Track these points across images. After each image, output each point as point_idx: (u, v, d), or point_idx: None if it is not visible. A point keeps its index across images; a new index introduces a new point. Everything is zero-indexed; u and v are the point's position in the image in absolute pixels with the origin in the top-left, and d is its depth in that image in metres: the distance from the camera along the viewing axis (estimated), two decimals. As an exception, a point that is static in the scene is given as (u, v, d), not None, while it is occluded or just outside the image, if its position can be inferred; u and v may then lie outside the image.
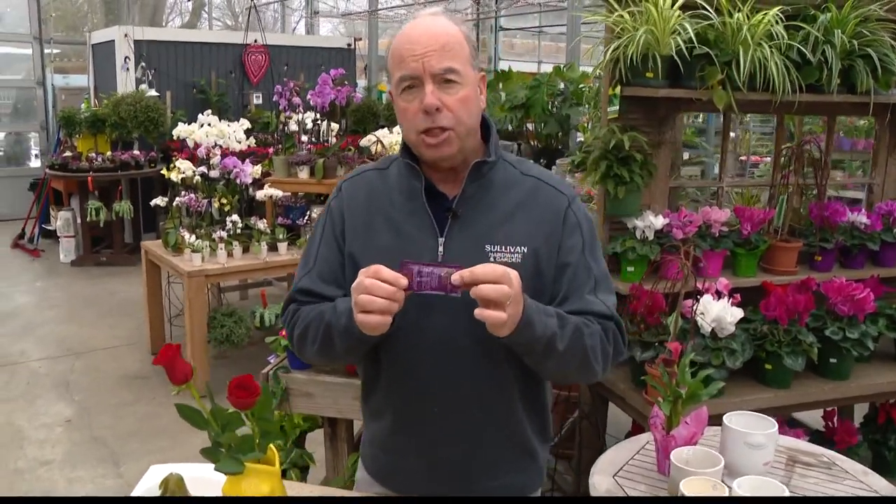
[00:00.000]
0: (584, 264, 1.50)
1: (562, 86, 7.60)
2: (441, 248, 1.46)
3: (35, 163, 10.76)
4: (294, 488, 1.62)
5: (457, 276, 1.27)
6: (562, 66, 7.87)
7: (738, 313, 2.48)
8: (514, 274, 1.29)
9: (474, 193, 1.49)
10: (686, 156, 8.11)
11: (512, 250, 1.46)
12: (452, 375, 1.48)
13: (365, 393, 1.64)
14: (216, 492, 1.36)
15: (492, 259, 1.45)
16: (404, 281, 1.28)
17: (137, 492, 1.50)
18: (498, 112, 8.02)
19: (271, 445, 1.28)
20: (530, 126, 8.04)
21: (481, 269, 1.26)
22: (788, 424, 3.29)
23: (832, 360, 2.72)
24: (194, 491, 1.44)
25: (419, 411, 1.52)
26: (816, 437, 2.99)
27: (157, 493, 1.43)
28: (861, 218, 2.98)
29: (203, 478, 1.48)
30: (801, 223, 3.06)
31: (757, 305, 2.69)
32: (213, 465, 1.27)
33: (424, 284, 1.28)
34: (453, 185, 1.50)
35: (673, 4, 2.45)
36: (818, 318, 2.73)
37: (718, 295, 2.52)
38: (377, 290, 1.28)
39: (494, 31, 13.71)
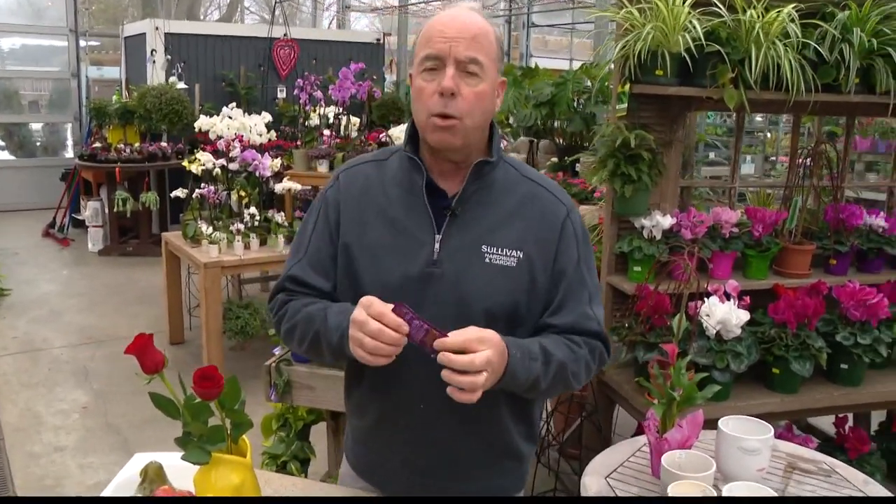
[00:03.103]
0: (580, 276, 1.50)
1: (588, 83, 7.52)
2: (437, 246, 1.45)
3: (69, 153, 10.95)
4: (282, 482, 1.63)
5: (439, 343, 1.27)
6: (588, 63, 7.80)
7: (745, 316, 2.43)
8: (493, 340, 1.29)
9: (474, 193, 1.47)
10: (712, 155, 8.01)
11: (508, 253, 1.45)
12: (435, 374, 1.47)
13: (347, 389, 1.63)
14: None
15: (487, 261, 1.44)
16: (406, 328, 1.28)
17: (120, 478, 1.52)
18: (524, 109, 7.96)
19: (244, 437, 1.28)
20: (556, 123, 7.97)
21: (461, 340, 1.26)
22: (802, 430, 3.24)
23: (843, 366, 2.66)
24: (175, 479, 1.45)
25: (402, 409, 1.51)
26: (827, 445, 2.94)
27: (137, 480, 1.44)
28: (879, 221, 2.92)
29: (185, 467, 1.49)
30: (817, 226, 3.00)
31: (768, 308, 2.64)
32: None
33: (412, 335, 1.29)
34: (453, 183, 1.49)
35: (684, 1, 2.41)
36: (830, 322, 2.68)
37: (727, 297, 2.48)
38: (385, 337, 1.28)
39: (526, 28, 13.64)
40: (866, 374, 2.70)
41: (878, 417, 3.26)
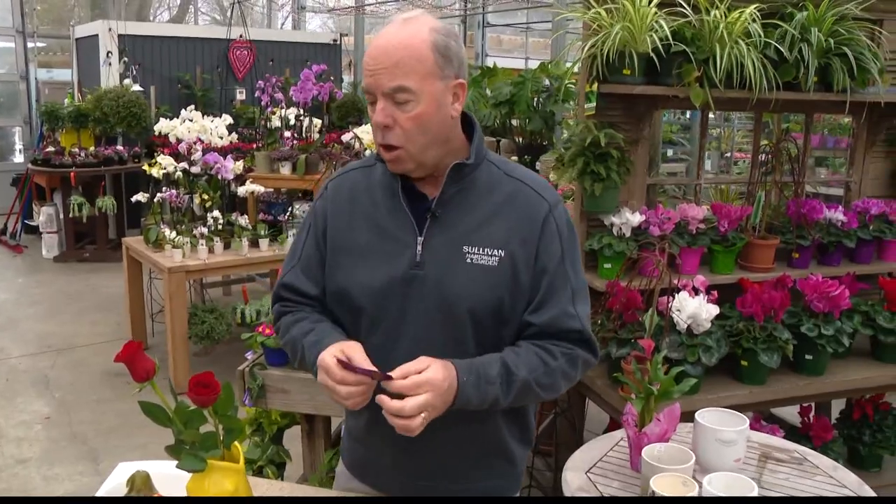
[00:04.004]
0: (562, 273, 1.49)
1: (546, 82, 7.59)
2: (419, 248, 1.46)
3: (18, 158, 10.67)
4: (270, 487, 1.62)
5: (385, 384, 1.32)
6: (547, 62, 7.87)
7: (714, 310, 2.49)
8: (435, 381, 1.32)
9: (454, 195, 1.48)
10: (670, 152, 8.15)
11: (490, 253, 1.45)
12: None
13: None
14: (184, 489, 1.36)
15: (469, 261, 1.45)
16: (368, 380, 1.35)
17: (104, 489, 1.50)
18: (483, 108, 8.01)
19: (235, 443, 1.28)
20: (515, 122, 8.03)
21: (399, 385, 1.31)
22: (766, 420, 3.32)
23: (808, 357, 2.73)
24: (162, 488, 1.44)
25: None
26: (792, 434, 3.01)
27: (123, 490, 1.42)
28: (838, 215, 3.00)
29: (171, 475, 1.47)
30: (778, 220, 3.07)
31: (734, 302, 2.70)
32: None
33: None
34: (433, 187, 1.49)
35: (650, 2, 2.45)
36: (794, 314, 2.75)
37: (695, 292, 2.53)
38: (357, 393, 1.34)
39: (481, 28, 13.69)
40: (829, 364, 2.78)
41: (837, 406, 3.35)
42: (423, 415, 1.30)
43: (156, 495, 1.36)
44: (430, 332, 1.46)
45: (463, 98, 1.46)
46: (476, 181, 1.50)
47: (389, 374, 1.30)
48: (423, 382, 1.30)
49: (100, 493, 1.48)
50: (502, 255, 1.45)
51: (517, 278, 1.46)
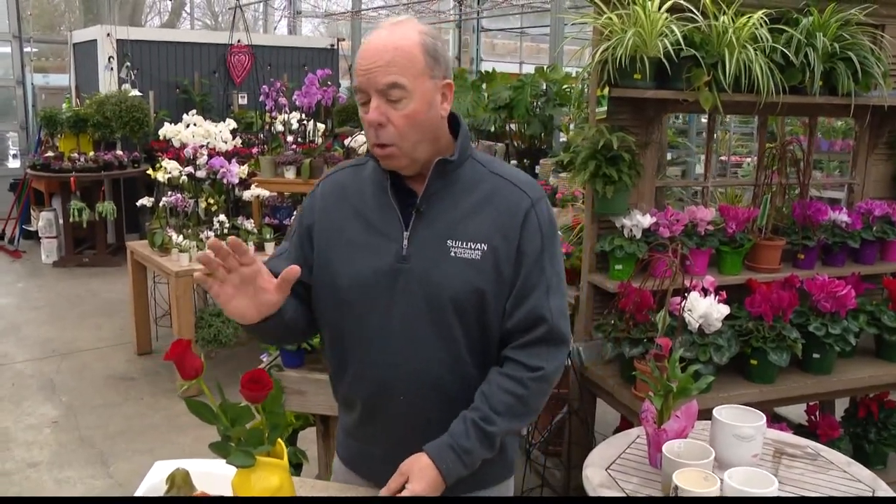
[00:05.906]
0: (540, 266, 1.54)
1: (545, 87, 7.64)
2: (406, 242, 1.51)
3: (13, 163, 10.65)
4: (303, 485, 1.65)
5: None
6: (545, 67, 7.92)
7: (725, 310, 2.53)
8: (419, 489, 1.44)
9: (438, 191, 1.53)
10: (669, 156, 8.20)
11: (473, 247, 1.50)
12: (415, 367, 1.52)
13: (334, 383, 1.68)
14: (222, 486, 1.39)
15: (453, 254, 1.50)
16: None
17: (142, 488, 1.52)
18: (482, 112, 8.06)
19: (279, 439, 1.31)
20: (514, 126, 8.08)
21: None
22: (772, 419, 3.36)
23: (815, 356, 2.78)
24: (200, 485, 1.47)
25: (384, 402, 1.56)
26: (799, 432, 3.05)
27: (162, 488, 1.45)
28: (842, 216, 3.05)
29: (208, 472, 1.51)
30: (784, 222, 3.12)
31: (742, 302, 2.75)
32: (215, 460, 1.29)
33: None
34: (420, 183, 1.54)
35: (660, 7, 2.50)
36: (802, 314, 2.79)
37: (705, 292, 2.58)
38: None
39: (476, 32, 13.74)
40: (835, 363, 2.82)
41: (840, 405, 3.40)
42: None
43: (198, 493, 1.38)
44: (417, 326, 1.51)
45: (450, 98, 1.51)
46: (460, 177, 1.55)
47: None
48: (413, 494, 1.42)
49: (139, 493, 1.50)
50: (485, 248, 1.50)
51: (499, 270, 1.51)
